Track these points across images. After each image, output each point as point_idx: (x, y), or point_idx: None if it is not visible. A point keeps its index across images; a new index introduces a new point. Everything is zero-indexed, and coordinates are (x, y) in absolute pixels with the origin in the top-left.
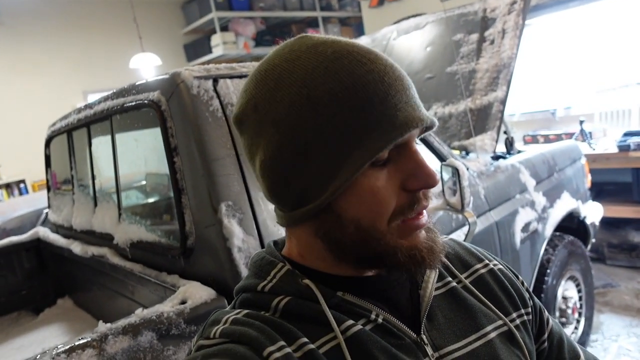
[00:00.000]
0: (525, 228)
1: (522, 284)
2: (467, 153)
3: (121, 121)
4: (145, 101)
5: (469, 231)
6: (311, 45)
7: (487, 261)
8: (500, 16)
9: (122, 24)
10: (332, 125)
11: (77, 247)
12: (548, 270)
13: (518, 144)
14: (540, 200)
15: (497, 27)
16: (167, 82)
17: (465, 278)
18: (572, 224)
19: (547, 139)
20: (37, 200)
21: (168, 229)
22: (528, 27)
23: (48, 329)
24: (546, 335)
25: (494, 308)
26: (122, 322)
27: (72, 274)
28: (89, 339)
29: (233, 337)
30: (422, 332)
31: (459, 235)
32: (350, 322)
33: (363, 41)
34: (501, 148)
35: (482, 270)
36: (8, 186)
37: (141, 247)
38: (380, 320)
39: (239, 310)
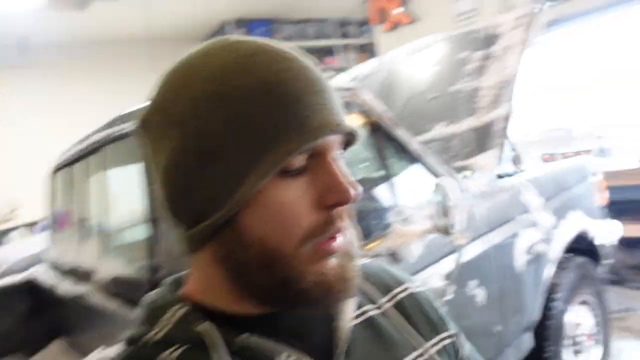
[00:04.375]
0: (528, 250)
1: (441, 306)
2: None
3: (112, 153)
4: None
5: (458, 254)
6: (225, 44)
7: (406, 284)
8: (506, 32)
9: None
10: (242, 125)
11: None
12: (556, 295)
13: (536, 163)
14: (546, 220)
15: (501, 44)
16: None
17: (385, 303)
18: (583, 245)
19: (566, 157)
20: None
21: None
22: (542, 43)
23: None
24: None
25: (415, 333)
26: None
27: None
28: None
29: None
30: None
31: (450, 260)
32: None
33: (370, 65)
34: (510, 167)
35: (402, 295)
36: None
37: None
38: None
39: None
